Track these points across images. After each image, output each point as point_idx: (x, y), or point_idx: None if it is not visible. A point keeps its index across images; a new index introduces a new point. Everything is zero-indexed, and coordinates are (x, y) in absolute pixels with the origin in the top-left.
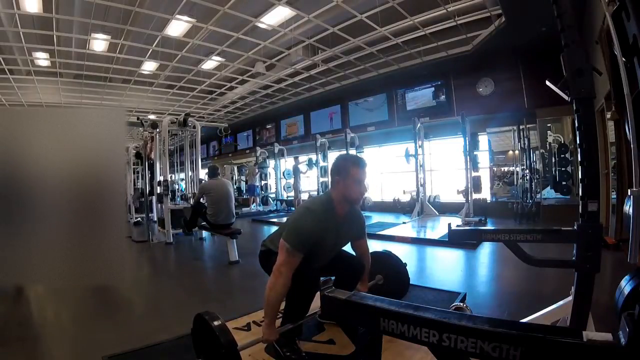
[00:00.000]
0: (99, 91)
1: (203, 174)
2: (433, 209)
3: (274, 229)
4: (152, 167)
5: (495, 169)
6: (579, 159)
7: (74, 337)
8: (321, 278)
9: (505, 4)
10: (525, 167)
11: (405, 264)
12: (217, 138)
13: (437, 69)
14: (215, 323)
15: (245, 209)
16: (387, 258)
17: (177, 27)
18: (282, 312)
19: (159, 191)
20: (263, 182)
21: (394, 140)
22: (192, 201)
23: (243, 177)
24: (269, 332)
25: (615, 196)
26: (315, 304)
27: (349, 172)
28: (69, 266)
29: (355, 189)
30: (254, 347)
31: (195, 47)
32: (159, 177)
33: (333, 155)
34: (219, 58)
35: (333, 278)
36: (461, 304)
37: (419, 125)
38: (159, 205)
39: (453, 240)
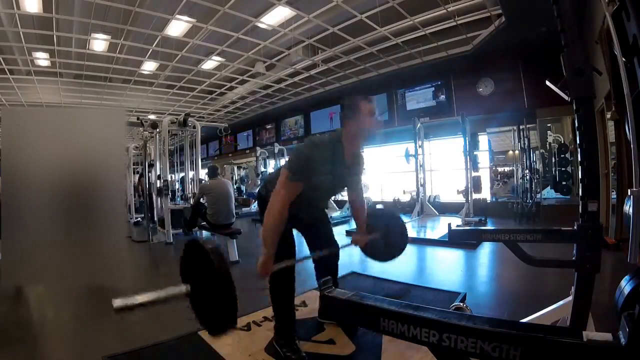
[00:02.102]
0: (99, 91)
1: (203, 174)
2: (433, 209)
3: None
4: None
5: (495, 169)
6: (579, 159)
7: (74, 337)
8: (321, 278)
9: (505, 4)
10: (525, 167)
11: (404, 222)
12: (217, 138)
13: (437, 69)
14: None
15: (245, 209)
16: (386, 214)
17: (177, 27)
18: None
19: (158, 185)
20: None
21: (394, 140)
22: (192, 201)
23: (244, 187)
24: (264, 267)
25: (615, 196)
26: (315, 305)
27: (359, 107)
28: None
29: (369, 121)
30: (253, 347)
31: (195, 47)
32: (158, 172)
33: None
34: (219, 58)
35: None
36: (461, 304)
37: (419, 125)
38: (159, 201)
39: (453, 240)
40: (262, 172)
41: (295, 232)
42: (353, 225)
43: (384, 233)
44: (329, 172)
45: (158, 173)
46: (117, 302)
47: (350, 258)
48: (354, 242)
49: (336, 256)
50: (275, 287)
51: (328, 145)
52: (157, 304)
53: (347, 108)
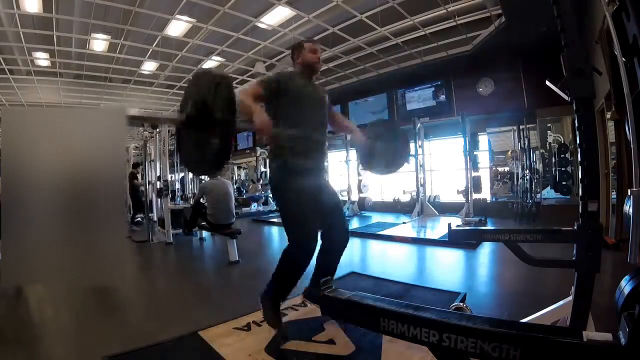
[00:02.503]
0: (99, 91)
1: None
2: (433, 209)
3: (275, 229)
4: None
5: (495, 169)
6: (579, 159)
7: (74, 337)
8: (321, 279)
9: (505, 4)
10: (525, 167)
11: (406, 132)
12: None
13: (437, 69)
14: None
15: (245, 209)
16: (387, 126)
17: (177, 27)
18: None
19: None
20: (263, 191)
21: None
22: (192, 201)
23: (244, 191)
24: (260, 122)
25: (615, 196)
26: (312, 306)
27: (302, 45)
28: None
29: (310, 55)
30: (253, 347)
31: (195, 47)
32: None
33: (333, 156)
34: (219, 58)
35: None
36: (461, 304)
37: (419, 125)
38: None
39: (453, 240)
40: (262, 173)
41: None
42: (353, 225)
43: (385, 140)
44: (298, 91)
45: (158, 174)
46: (132, 111)
47: (351, 258)
48: (352, 142)
49: (343, 249)
50: (291, 255)
51: (286, 74)
52: (157, 122)
53: (293, 51)
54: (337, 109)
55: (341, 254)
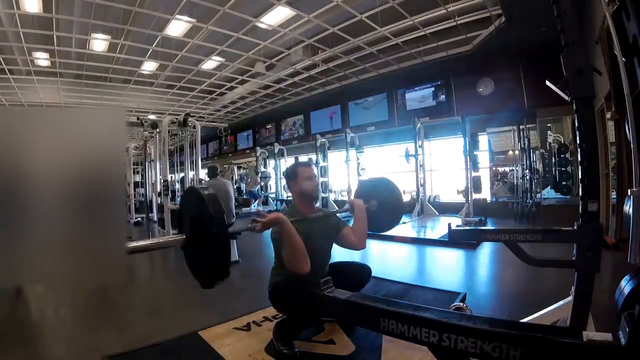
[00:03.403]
0: (99, 91)
1: (203, 174)
2: (433, 209)
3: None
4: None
5: (495, 169)
6: (579, 159)
7: (74, 337)
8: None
9: (505, 4)
10: (525, 167)
11: (400, 191)
12: (217, 138)
13: (437, 69)
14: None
15: (245, 209)
16: (381, 184)
17: (177, 27)
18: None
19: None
20: (262, 183)
21: (394, 140)
22: None
23: (244, 185)
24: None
25: (615, 196)
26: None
27: (297, 173)
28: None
29: (306, 183)
30: (253, 347)
31: (195, 47)
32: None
33: (333, 155)
34: (219, 58)
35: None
36: (461, 304)
37: (419, 125)
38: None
39: (453, 240)
40: (262, 172)
41: None
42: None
43: (378, 201)
44: (307, 235)
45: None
46: (132, 245)
47: (351, 258)
48: (351, 204)
49: (367, 272)
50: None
51: (289, 216)
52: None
53: (288, 178)
54: (337, 109)
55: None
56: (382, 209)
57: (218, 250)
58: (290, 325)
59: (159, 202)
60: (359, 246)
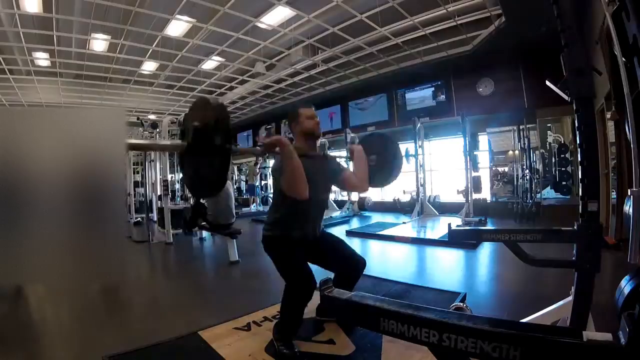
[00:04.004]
0: (99, 91)
1: None
2: (433, 209)
3: None
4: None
5: (495, 169)
6: (579, 159)
7: (74, 337)
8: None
9: (505, 4)
10: (525, 167)
11: (397, 144)
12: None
13: (437, 69)
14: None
15: (245, 209)
16: (380, 139)
17: (177, 27)
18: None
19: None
20: (263, 182)
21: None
22: (192, 201)
23: (243, 177)
24: (281, 142)
25: (615, 196)
26: (313, 306)
27: (299, 113)
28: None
29: (308, 122)
30: (253, 347)
31: (195, 47)
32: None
33: (332, 155)
34: (219, 58)
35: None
36: (461, 304)
37: (419, 125)
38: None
39: (453, 240)
40: (260, 162)
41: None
42: (353, 225)
43: (378, 155)
44: (307, 171)
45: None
46: (131, 141)
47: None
48: (350, 150)
49: (362, 264)
50: (292, 294)
51: None
52: (156, 149)
53: (290, 120)
54: (337, 109)
55: (358, 278)
56: (381, 164)
57: (218, 160)
58: (288, 300)
59: (160, 205)
60: (361, 187)
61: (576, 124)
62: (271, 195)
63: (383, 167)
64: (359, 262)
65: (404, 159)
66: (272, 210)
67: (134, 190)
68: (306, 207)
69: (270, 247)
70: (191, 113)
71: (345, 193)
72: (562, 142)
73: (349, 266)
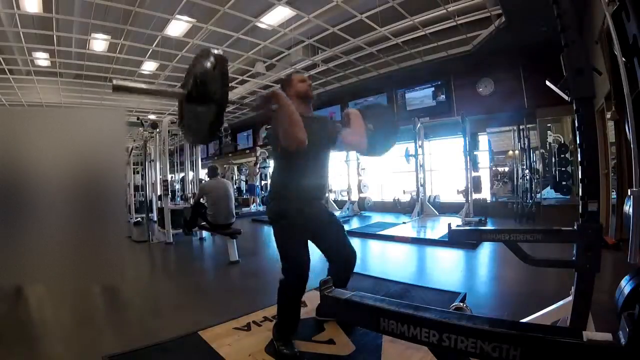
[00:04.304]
0: (99, 91)
1: (203, 174)
2: (433, 209)
3: None
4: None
5: (495, 169)
6: (579, 159)
7: (74, 337)
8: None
9: (505, 4)
10: (525, 167)
11: (395, 115)
12: (217, 138)
13: (437, 69)
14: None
15: (245, 209)
16: (377, 108)
17: (177, 27)
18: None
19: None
20: (263, 182)
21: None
22: (192, 201)
23: (243, 177)
24: (277, 95)
25: (615, 196)
26: (313, 306)
27: (291, 78)
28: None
29: (301, 85)
30: (253, 347)
31: (195, 47)
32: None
33: (333, 155)
34: None
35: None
36: (461, 304)
37: (419, 125)
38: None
39: (453, 240)
40: (260, 162)
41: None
42: (353, 225)
43: (375, 122)
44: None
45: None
46: (117, 81)
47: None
48: (346, 114)
49: (352, 263)
50: (285, 288)
51: None
52: (152, 94)
53: (283, 86)
54: (337, 109)
55: (350, 271)
56: (379, 131)
57: (214, 108)
58: (284, 286)
59: (160, 205)
60: (361, 143)
61: (576, 124)
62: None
63: (381, 135)
64: (353, 256)
65: (406, 158)
66: (272, 180)
67: (134, 192)
68: (307, 168)
69: (272, 218)
70: (194, 63)
71: (345, 193)
72: (562, 142)
73: (347, 257)
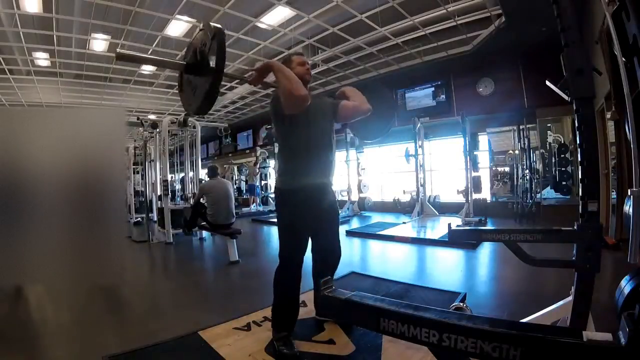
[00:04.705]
0: (99, 91)
1: (203, 174)
2: (433, 209)
3: (274, 229)
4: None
5: (495, 169)
6: (579, 159)
7: (74, 337)
8: (320, 279)
9: (505, 4)
10: (525, 167)
11: (393, 96)
12: (217, 138)
13: (437, 69)
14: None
15: (245, 209)
16: (373, 86)
17: (177, 27)
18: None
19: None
20: (263, 182)
21: (394, 140)
22: (192, 201)
23: (243, 177)
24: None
25: (615, 196)
26: (312, 306)
27: (291, 60)
28: (69, 266)
29: (300, 68)
30: (253, 347)
31: None
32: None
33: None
34: None
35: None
36: (461, 304)
37: (419, 125)
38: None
39: (453, 240)
40: (260, 162)
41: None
42: (353, 225)
43: (372, 102)
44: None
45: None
46: (120, 50)
47: (351, 258)
48: (341, 92)
49: (336, 260)
50: (280, 281)
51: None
52: (153, 63)
53: (283, 63)
54: None
55: (333, 271)
56: (377, 111)
57: (211, 78)
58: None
59: (160, 205)
60: (362, 107)
61: (576, 124)
62: (271, 195)
63: (378, 115)
64: (338, 258)
65: (406, 158)
66: (279, 161)
67: (134, 196)
68: (313, 140)
69: (279, 200)
70: (195, 36)
71: (345, 193)
72: (562, 142)
73: (332, 255)
